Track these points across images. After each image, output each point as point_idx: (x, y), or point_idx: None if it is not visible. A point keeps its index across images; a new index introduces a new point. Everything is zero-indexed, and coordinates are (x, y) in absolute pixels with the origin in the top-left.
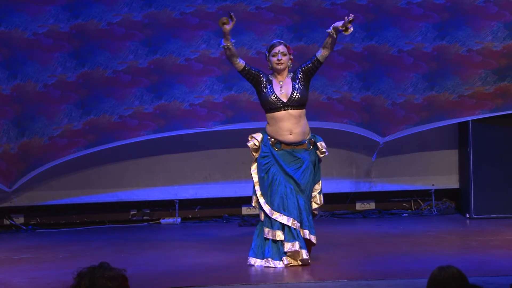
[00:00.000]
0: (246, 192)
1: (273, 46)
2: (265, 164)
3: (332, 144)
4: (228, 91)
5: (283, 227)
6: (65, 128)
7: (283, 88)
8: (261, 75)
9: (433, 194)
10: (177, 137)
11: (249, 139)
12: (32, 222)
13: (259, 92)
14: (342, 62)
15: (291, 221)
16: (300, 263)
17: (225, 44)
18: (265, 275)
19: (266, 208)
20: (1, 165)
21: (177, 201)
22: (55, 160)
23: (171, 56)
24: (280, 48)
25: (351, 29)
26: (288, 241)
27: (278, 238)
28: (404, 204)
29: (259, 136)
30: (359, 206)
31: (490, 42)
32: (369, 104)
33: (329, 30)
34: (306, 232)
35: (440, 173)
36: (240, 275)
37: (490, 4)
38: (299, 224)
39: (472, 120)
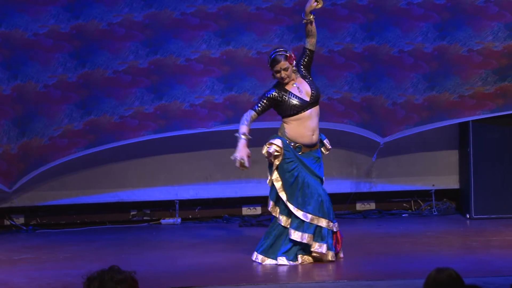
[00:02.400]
0: (247, 193)
1: (273, 62)
2: (292, 169)
3: (332, 144)
4: (229, 91)
5: (315, 229)
6: (66, 128)
7: (300, 88)
8: (274, 95)
9: (433, 195)
10: (177, 137)
11: (268, 146)
12: (32, 223)
13: (281, 105)
14: (342, 63)
15: (330, 223)
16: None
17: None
18: (265, 275)
19: (299, 213)
20: (1, 165)
21: (177, 201)
22: (55, 161)
23: (171, 56)
24: (281, 65)
25: (320, 4)
26: (317, 241)
27: (308, 242)
28: (404, 205)
29: (278, 141)
30: (359, 206)
31: (491, 42)
32: (369, 104)
33: (304, 19)
34: (336, 224)
35: (440, 173)
36: (240, 276)
37: (490, 4)
38: (336, 224)
39: (472, 120)
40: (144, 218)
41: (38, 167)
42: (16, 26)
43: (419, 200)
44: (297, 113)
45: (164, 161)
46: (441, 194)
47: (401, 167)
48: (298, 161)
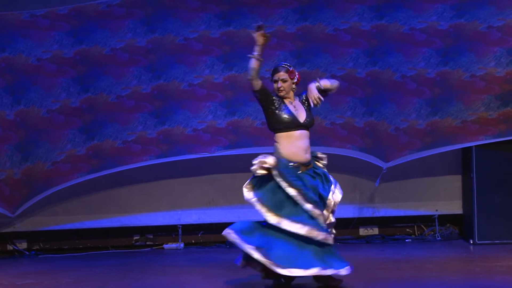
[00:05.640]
0: (249, 217)
1: (274, 71)
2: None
3: (335, 169)
4: (231, 116)
5: None
6: (69, 153)
7: (296, 108)
8: (273, 95)
9: (436, 220)
10: (180, 162)
11: (258, 165)
12: (35, 248)
13: (272, 111)
14: (345, 88)
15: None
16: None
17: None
18: None
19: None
20: (4, 190)
21: (180, 226)
22: (58, 185)
23: (174, 81)
24: (280, 75)
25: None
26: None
27: None
28: (407, 230)
29: (271, 159)
30: (362, 231)
31: (493, 68)
32: (372, 130)
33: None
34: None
35: (444, 198)
36: None
37: (493, 30)
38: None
39: (475, 145)
40: (147, 243)
41: (41, 192)
42: (19, 51)
43: (422, 225)
44: (286, 130)
45: (166, 186)
46: (444, 219)
47: (404, 192)
48: (301, 180)
